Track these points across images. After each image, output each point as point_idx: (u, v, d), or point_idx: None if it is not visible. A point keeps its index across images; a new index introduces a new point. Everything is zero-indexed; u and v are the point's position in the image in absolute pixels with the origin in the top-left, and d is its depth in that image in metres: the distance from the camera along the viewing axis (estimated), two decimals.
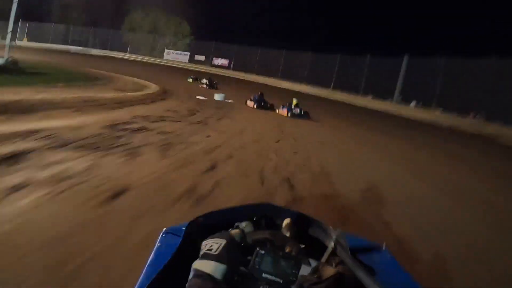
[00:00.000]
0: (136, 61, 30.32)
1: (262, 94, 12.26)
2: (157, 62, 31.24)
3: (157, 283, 0.71)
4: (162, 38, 35.18)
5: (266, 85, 26.31)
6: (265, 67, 31.02)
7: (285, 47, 30.47)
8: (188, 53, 34.28)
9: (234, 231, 0.87)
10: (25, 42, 31.72)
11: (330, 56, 27.71)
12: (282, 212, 1.17)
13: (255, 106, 11.59)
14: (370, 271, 0.86)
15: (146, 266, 0.90)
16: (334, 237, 0.91)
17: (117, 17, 35.21)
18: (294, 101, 11.08)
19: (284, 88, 26.54)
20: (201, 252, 0.74)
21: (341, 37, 32.36)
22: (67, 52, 27.92)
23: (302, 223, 1.12)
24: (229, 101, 12.96)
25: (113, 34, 34.99)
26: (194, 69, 29.84)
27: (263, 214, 1.14)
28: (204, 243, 0.77)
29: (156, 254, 0.96)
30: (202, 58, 33.73)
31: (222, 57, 33.21)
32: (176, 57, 33.94)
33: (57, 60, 20.25)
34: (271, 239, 0.93)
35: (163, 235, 1.08)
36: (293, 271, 0.75)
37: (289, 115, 10.60)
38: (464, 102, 17.83)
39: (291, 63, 30.23)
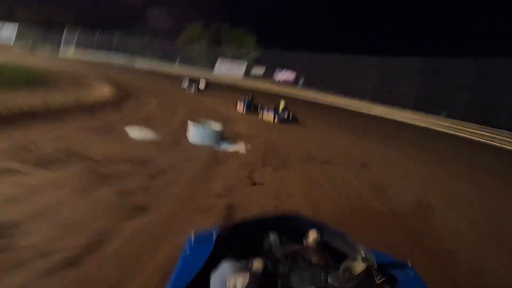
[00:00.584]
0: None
1: (252, 96, 10.26)
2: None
3: None
4: (222, 52, 29.27)
5: (346, 111, 17.15)
6: (348, 83, 21.09)
7: (380, 52, 20.14)
8: (245, 63, 26.24)
9: (256, 266, 0.85)
10: (70, 54, 29.59)
11: (449, 61, 16.77)
12: (309, 224, 1.19)
13: (244, 111, 9.55)
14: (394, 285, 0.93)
15: (175, 275, 0.89)
16: (362, 252, 0.94)
17: (174, 30, 31.48)
18: (282, 104, 9.26)
19: (376, 117, 16.75)
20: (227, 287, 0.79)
21: (467, 34, 21.29)
22: (109, 66, 24.07)
23: (328, 236, 1.14)
24: (237, 147, 4.83)
25: (162, 46, 30.83)
26: (247, 87, 22.39)
27: (290, 225, 1.17)
28: (229, 277, 0.79)
29: (183, 263, 0.96)
30: (260, 71, 25.53)
31: (286, 69, 24.64)
32: (229, 69, 26.41)
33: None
34: (301, 252, 0.95)
35: (191, 242, 1.07)
36: (323, 277, 0.80)
37: (276, 120, 8.62)
38: None
39: (388, 76, 19.63)
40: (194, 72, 26.54)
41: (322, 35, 27.54)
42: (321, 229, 1.13)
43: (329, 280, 0.80)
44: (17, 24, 32.56)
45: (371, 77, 20.51)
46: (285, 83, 24.23)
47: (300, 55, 23.98)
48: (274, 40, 25.60)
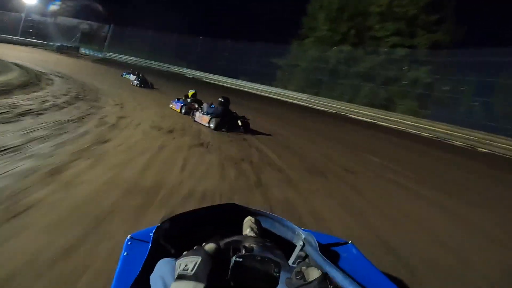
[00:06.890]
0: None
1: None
2: None
3: None
4: None
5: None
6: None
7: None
8: None
9: (208, 246, 0.80)
10: None
11: None
12: (247, 212, 1.17)
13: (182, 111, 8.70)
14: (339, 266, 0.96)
15: (115, 279, 0.87)
16: (303, 236, 1.03)
17: None
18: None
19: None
20: (176, 272, 0.72)
21: None
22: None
23: (267, 223, 1.15)
24: None
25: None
26: None
27: (227, 216, 1.16)
28: (178, 262, 0.74)
29: (123, 264, 0.94)
30: None
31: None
32: None
33: None
34: (243, 242, 0.94)
35: (129, 242, 1.05)
36: (275, 273, 0.74)
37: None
38: None
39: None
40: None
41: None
42: (259, 216, 1.11)
43: (285, 281, 0.76)
44: None
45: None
46: None
47: None
48: None
